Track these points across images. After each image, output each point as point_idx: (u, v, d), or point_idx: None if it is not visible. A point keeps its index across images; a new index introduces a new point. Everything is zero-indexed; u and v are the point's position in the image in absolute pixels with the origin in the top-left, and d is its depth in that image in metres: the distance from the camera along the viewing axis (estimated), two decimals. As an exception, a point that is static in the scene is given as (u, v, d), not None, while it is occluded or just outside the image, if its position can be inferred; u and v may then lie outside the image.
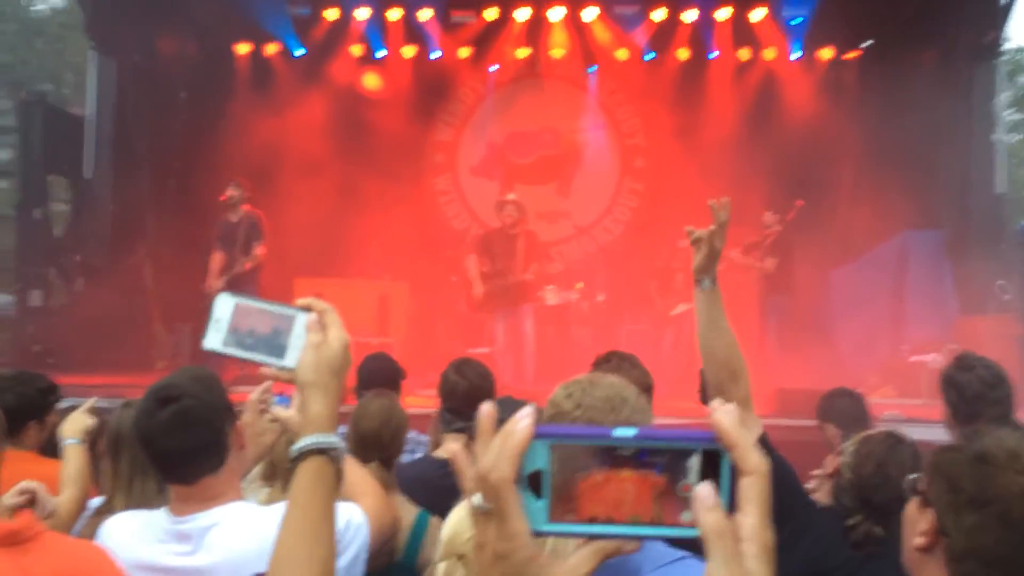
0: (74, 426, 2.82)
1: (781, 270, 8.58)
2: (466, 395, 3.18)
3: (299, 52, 11.72)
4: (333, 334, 1.27)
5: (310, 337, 1.26)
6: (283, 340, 1.27)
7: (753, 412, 2.36)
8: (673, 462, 0.73)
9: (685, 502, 0.73)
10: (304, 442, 1.25)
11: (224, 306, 1.28)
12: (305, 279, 9.18)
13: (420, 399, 6.34)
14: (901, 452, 2.39)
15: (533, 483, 0.75)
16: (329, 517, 1.25)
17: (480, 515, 0.78)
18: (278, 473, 2.71)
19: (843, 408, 3.90)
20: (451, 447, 0.88)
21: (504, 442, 0.76)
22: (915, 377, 8.01)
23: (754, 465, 0.74)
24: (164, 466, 1.97)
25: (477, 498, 0.78)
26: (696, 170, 10.07)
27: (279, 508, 1.34)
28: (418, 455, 3.59)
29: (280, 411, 2.06)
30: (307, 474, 1.24)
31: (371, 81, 11.89)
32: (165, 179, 10.87)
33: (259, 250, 8.39)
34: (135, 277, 9.85)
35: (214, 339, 1.27)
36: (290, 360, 1.26)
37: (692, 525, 0.72)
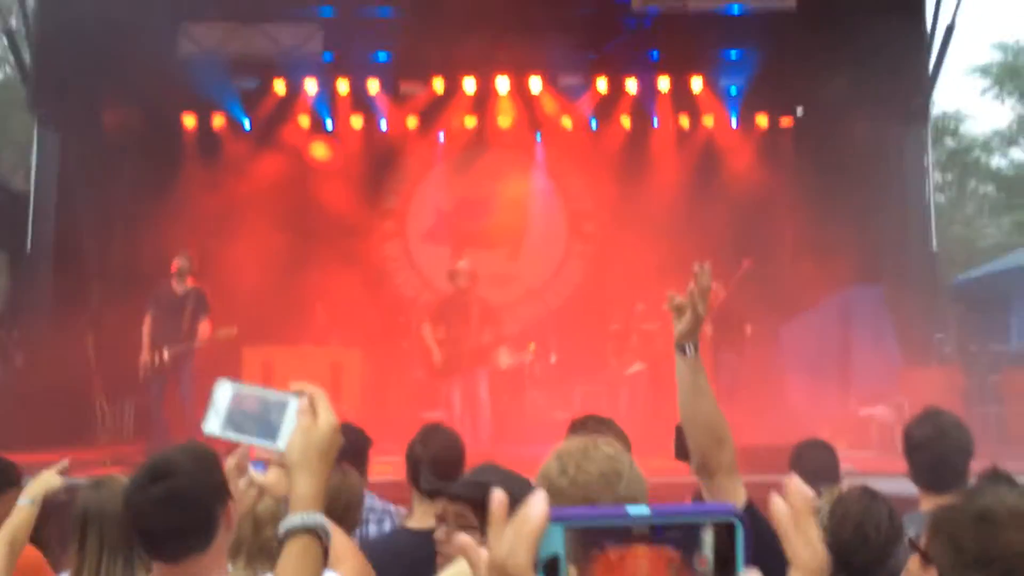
0: (35, 487, 2.79)
1: (730, 328, 8.73)
2: (431, 466, 3.14)
3: (246, 123, 11.77)
4: (323, 417, 1.33)
5: (300, 420, 1.32)
6: (277, 423, 1.34)
7: (739, 477, 2.32)
8: (686, 536, 0.73)
9: (701, 575, 0.73)
10: (291, 521, 1.31)
11: (223, 393, 1.36)
12: (254, 348, 9.05)
13: (378, 466, 6.23)
14: (878, 510, 2.37)
15: (549, 569, 0.74)
16: None
17: None
18: (241, 550, 2.64)
19: (815, 459, 3.90)
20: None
21: (519, 528, 0.74)
22: (865, 429, 8.14)
23: (805, 561, 0.74)
24: (150, 543, 1.92)
25: None
26: (642, 233, 10.28)
27: None
28: (386, 524, 3.50)
29: (258, 476, 2.03)
30: (295, 553, 1.30)
31: (320, 151, 11.97)
32: (108, 252, 10.70)
33: (208, 330, 8.31)
34: (76, 351, 9.60)
35: (214, 423, 1.35)
36: (282, 442, 1.33)
37: None
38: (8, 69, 19.84)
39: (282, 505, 2.61)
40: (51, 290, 9.54)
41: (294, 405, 1.34)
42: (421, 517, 3.05)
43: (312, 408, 1.33)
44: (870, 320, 9.36)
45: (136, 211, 10.67)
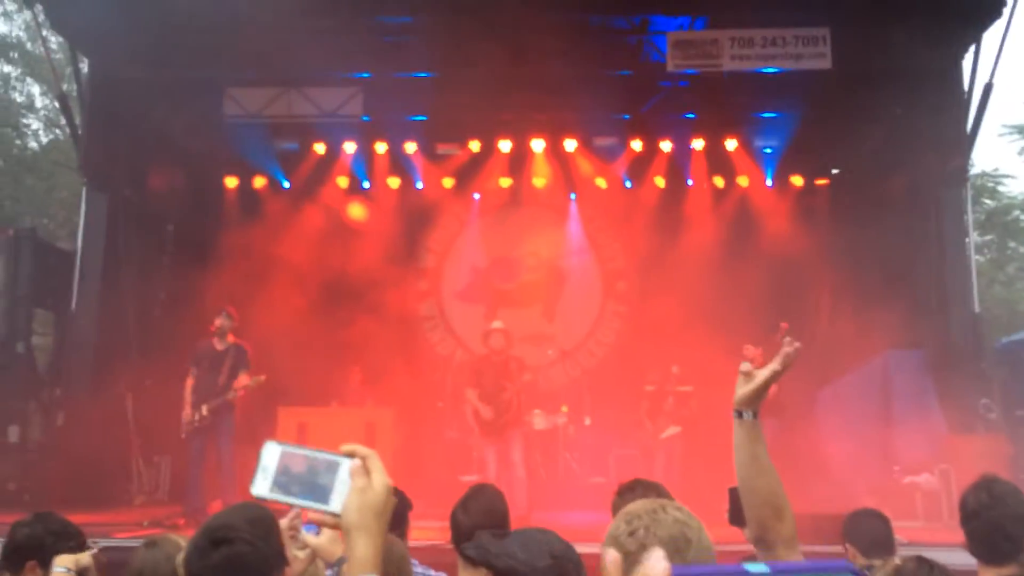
0: (71, 558, 2.82)
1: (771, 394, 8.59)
2: (469, 533, 3.11)
3: (286, 185, 12.01)
4: (376, 479, 1.34)
5: (355, 482, 1.33)
6: (327, 485, 1.34)
7: (799, 550, 2.25)
8: None
9: None
10: None
11: (271, 454, 1.35)
12: (289, 408, 9.09)
13: (417, 531, 6.19)
14: None
15: None
16: None
17: None
18: None
19: (871, 529, 3.80)
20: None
21: None
22: (909, 498, 7.92)
23: None
24: None
25: None
26: (677, 293, 10.24)
27: None
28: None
29: (310, 538, 2.04)
30: None
31: (356, 211, 12.15)
32: (151, 311, 10.89)
33: (245, 379, 8.31)
34: (116, 411, 9.71)
35: (262, 485, 1.34)
36: (335, 505, 1.33)
37: None
38: (58, 131, 20.50)
39: (331, 570, 2.60)
40: (93, 350, 9.68)
41: (346, 466, 1.34)
42: None
43: (365, 469, 1.34)
44: (911, 385, 9.16)
45: (178, 271, 10.87)
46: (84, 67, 11.05)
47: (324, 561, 2.43)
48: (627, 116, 11.48)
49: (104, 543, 3.00)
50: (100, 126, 10.23)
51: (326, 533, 2.49)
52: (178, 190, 11.61)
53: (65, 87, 11.85)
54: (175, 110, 10.60)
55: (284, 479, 1.34)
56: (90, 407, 9.21)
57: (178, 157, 11.33)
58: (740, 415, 2.24)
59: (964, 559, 3.28)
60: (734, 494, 2.44)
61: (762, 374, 2.21)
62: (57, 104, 11.51)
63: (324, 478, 1.34)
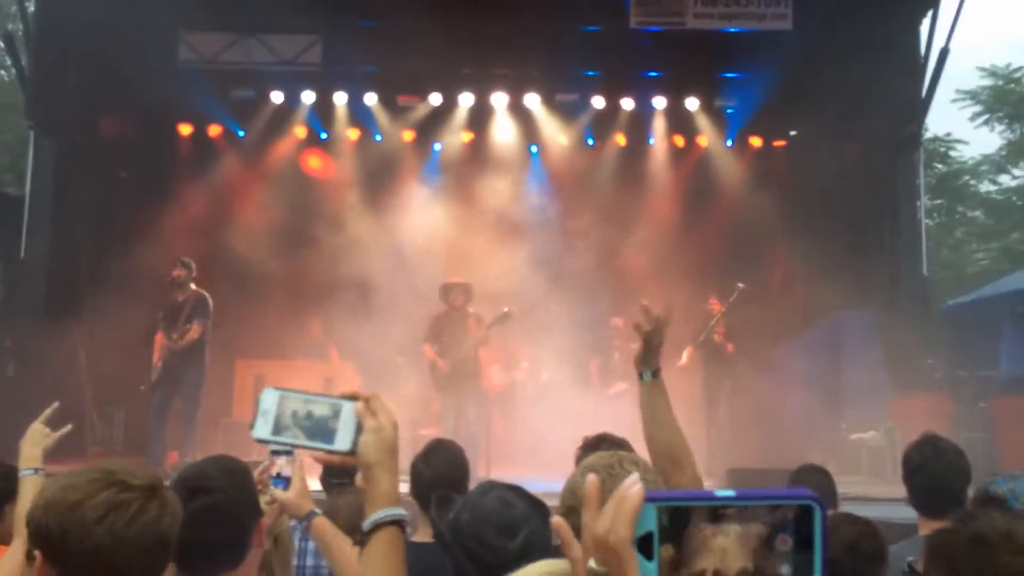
0: (31, 449, 2.62)
1: (721, 350, 8.78)
2: (430, 484, 3.16)
3: (241, 134, 11.77)
4: (384, 418, 1.39)
5: (368, 422, 1.37)
6: (331, 426, 1.37)
7: None
8: (768, 518, 0.79)
9: (782, 555, 0.79)
10: (379, 515, 1.40)
11: (270, 399, 1.37)
12: (246, 360, 9.04)
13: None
14: (869, 532, 2.43)
15: (644, 544, 0.80)
16: None
17: None
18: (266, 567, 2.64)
19: (814, 484, 3.95)
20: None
21: (619, 506, 0.81)
22: (855, 454, 8.19)
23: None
24: (183, 558, 1.89)
25: (592, 562, 0.83)
26: (636, 251, 10.34)
27: None
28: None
29: (278, 493, 2.05)
30: (383, 543, 1.40)
31: (314, 162, 11.98)
32: (103, 260, 10.67)
33: (196, 326, 8.21)
34: (68, 361, 9.55)
35: (263, 429, 1.36)
36: (341, 444, 1.37)
37: None
38: (3, 73, 19.77)
39: (298, 524, 2.61)
40: (44, 298, 9.48)
41: (349, 408, 1.37)
42: (425, 531, 3.08)
43: (372, 411, 1.38)
44: (861, 346, 9.41)
45: (131, 219, 10.64)
46: (31, 5, 10.66)
47: (292, 516, 2.45)
48: (590, 73, 11.45)
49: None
50: (47, 68, 9.91)
51: (294, 488, 2.50)
52: (130, 137, 11.32)
53: (10, 27, 11.42)
54: (127, 53, 10.28)
55: (285, 422, 1.37)
56: (41, 356, 9.05)
57: (130, 104, 11.01)
58: (641, 376, 2.48)
59: (906, 513, 3.42)
60: None
61: (644, 337, 2.44)
62: (2, 44, 11.06)
63: (327, 420, 1.37)
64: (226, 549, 1.88)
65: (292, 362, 9.54)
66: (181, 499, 1.85)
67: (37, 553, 1.44)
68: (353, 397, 1.39)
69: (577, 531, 0.88)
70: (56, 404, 2.85)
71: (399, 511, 1.41)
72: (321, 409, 1.37)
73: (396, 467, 1.41)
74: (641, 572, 0.80)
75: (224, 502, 1.87)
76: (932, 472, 3.07)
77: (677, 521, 0.80)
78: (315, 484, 3.40)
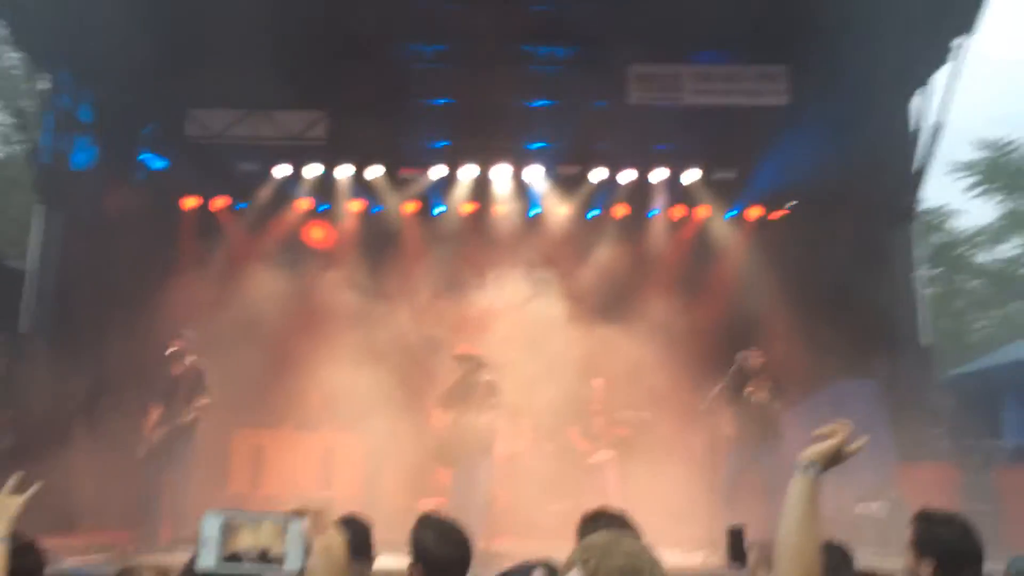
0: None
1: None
2: (437, 562, 3.10)
3: (245, 205, 11.91)
4: (332, 537, 1.40)
5: (317, 542, 1.37)
6: (278, 548, 1.34)
7: None
8: None
9: None
10: None
11: (212, 525, 1.34)
12: (245, 431, 8.97)
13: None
14: None
15: None
16: None
17: None
18: None
19: (831, 559, 3.87)
20: None
21: None
22: (860, 526, 8.05)
23: None
24: None
25: None
26: (636, 320, 10.35)
27: None
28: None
29: None
30: None
31: (316, 234, 12.10)
32: (105, 333, 10.68)
33: (202, 402, 8.20)
34: (67, 434, 9.47)
35: (207, 558, 1.33)
36: (291, 565, 1.33)
37: None
38: (10, 147, 20.11)
39: None
40: (45, 371, 9.45)
41: (296, 527, 1.35)
42: None
43: (320, 526, 1.38)
44: (863, 415, 9.33)
45: (134, 292, 10.69)
46: (43, 83, 10.90)
47: None
48: (591, 146, 11.67)
49: (51, 568, 2.83)
50: (59, 143, 10.10)
51: None
52: (135, 211, 11.44)
53: (21, 103, 11.68)
54: (136, 129, 10.52)
55: (231, 548, 1.33)
56: (40, 430, 8.99)
57: (136, 178, 11.19)
58: (805, 469, 2.11)
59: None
60: (737, 536, 2.41)
61: (837, 437, 2.12)
62: (13, 120, 11.30)
63: (273, 541, 1.34)
64: None
65: (290, 432, 9.46)
66: None
67: None
68: (299, 514, 1.37)
69: None
70: (20, 473, 2.81)
71: None
72: (267, 530, 1.35)
73: None
74: None
75: None
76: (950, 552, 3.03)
77: None
78: None
